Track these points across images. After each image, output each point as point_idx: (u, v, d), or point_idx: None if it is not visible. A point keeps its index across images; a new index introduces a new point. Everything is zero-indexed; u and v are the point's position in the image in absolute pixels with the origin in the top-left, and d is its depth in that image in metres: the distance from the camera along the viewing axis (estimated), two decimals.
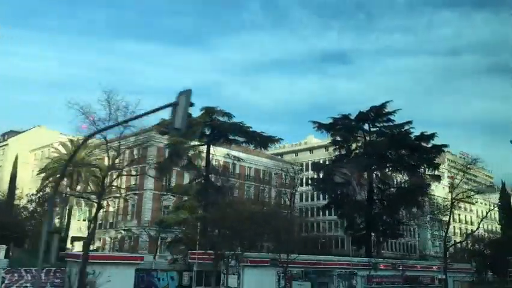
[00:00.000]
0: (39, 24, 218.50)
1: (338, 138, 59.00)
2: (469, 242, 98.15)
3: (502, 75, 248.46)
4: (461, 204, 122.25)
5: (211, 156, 44.53)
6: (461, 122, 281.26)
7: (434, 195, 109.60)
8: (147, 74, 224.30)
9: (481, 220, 63.01)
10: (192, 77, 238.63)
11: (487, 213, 68.40)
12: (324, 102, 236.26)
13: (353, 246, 57.20)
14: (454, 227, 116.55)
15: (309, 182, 62.49)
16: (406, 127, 58.43)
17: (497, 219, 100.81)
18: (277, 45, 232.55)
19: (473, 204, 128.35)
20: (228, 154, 44.34)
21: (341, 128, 58.64)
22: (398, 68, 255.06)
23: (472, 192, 62.39)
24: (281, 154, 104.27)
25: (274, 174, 72.89)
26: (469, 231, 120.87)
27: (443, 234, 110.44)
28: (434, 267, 49.45)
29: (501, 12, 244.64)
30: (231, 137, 42.52)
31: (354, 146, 59.51)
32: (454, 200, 55.02)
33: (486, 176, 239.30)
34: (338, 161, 58.14)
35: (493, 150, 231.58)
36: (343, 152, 59.76)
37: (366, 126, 59.67)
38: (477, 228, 56.97)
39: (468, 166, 56.03)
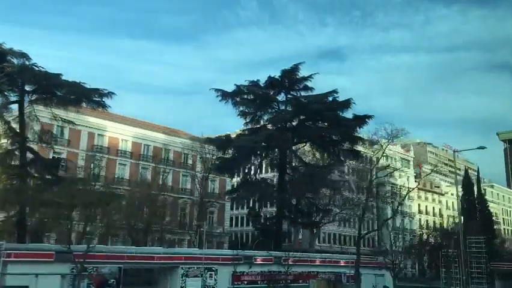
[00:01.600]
0: (32, 21, 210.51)
1: (244, 109, 48.58)
2: (426, 233, 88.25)
3: (498, 72, 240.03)
4: (428, 195, 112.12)
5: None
6: (456, 119, 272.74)
7: (395, 184, 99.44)
8: (142, 72, 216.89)
9: (398, 206, 51.42)
10: (187, 75, 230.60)
11: (406, 194, 57.18)
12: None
13: (262, 238, 47.17)
14: (420, 219, 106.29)
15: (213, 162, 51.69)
16: (330, 98, 48.17)
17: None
18: (273, 42, 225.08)
19: (442, 195, 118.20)
20: (54, 116, 33.17)
21: (252, 97, 48.44)
22: (394, 65, 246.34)
23: (390, 169, 50.94)
24: None
25: (199, 157, 62.20)
26: (437, 224, 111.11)
27: (404, 227, 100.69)
28: (341, 262, 39.13)
29: (498, 9, 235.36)
30: (59, 94, 31.91)
31: (266, 118, 49.18)
32: (374, 180, 44.30)
33: (470, 169, 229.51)
34: (244, 135, 47.85)
35: (487, 147, 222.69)
36: (255, 125, 49.52)
37: (282, 97, 49.53)
38: (391, 217, 45.53)
39: (389, 140, 45.06)
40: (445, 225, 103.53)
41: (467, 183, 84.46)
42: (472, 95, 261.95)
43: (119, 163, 59.05)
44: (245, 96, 48.11)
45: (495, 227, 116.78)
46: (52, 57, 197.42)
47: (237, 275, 31.06)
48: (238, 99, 47.60)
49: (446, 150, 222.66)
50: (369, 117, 46.33)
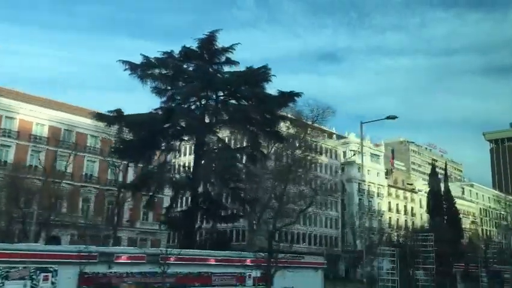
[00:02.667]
0: (32, 20, 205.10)
1: (157, 85, 41.60)
2: (389, 232, 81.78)
3: (494, 75, 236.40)
4: (399, 192, 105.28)
5: None
6: (454, 120, 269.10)
7: (364, 180, 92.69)
8: None
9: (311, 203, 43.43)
10: None
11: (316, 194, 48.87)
12: (322, 101, 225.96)
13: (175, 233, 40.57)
14: (390, 217, 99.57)
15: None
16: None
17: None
18: (271, 43, 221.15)
19: (415, 192, 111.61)
20: None
21: (165, 71, 41.60)
22: (392, 67, 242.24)
23: (315, 155, 43.27)
24: None
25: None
26: (409, 223, 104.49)
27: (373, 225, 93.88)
28: (247, 261, 32.36)
29: (495, 12, 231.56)
30: None
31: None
32: (293, 167, 36.92)
33: (455, 169, 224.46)
34: (153, 115, 40.67)
35: (478, 150, 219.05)
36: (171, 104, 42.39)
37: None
38: (306, 208, 38.19)
39: (315, 119, 37.77)
40: (417, 224, 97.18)
41: (434, 180, 78.37)
42: (468, 97, 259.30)
43: (32, 149, 52.18)
44: (157, 70, 41.27)
45: (473, 227, 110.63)
46: (52, 57, 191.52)
47: (88, 277, 24.31)
48: (149, 72, 40.76)
49: (430, 150, 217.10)
50: (297, 94, 39.39)
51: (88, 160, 56.23)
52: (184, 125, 39.75)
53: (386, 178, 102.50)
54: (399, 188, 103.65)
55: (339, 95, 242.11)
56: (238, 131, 40.31)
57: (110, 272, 25.34)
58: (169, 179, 38.17)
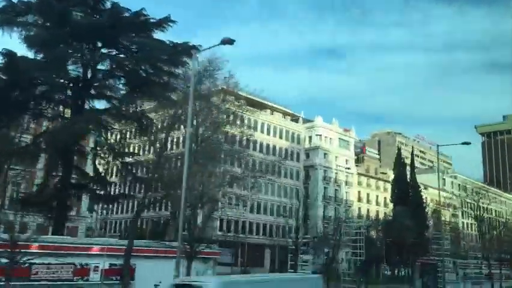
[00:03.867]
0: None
1: (28, 33, 33.70)
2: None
3: (494, 71, 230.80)
4: (371, 182, 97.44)
5: None
6: (452, 117, 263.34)
7: (330, 167, 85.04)
8: None
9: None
10: None
11: None
12: (322, 97, 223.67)
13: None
14: (360, 208, 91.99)
15: None
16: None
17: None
18: (273, 39, 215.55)
19: (388, 182, 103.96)
20: None
21: (35, 17, 33.84)
22: (393, 63, 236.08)
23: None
24: None
25: None
26: (384, 213, 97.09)
27: (340, 214, 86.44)
28: (93, 249, 24.86)
29: (495, 7, 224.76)
30: None
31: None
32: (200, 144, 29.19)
33: (444, 161, 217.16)
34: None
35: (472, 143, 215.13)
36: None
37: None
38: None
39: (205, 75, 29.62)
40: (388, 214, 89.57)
41: (399, 167, 70.99)
42: (465, 92, 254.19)
43: None
44: (26, 17, 33.46)
45: (453, 219, 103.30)
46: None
47: None
48: (15, 18, 32.88)
49: (418, 141, 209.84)
50: (194, 47, 31.46)
51: None
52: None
53: (357, 166, 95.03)
54: (371, 177, 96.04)
55: (339, 91, 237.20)
56: (116, 90, 32.36)
57: None
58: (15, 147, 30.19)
